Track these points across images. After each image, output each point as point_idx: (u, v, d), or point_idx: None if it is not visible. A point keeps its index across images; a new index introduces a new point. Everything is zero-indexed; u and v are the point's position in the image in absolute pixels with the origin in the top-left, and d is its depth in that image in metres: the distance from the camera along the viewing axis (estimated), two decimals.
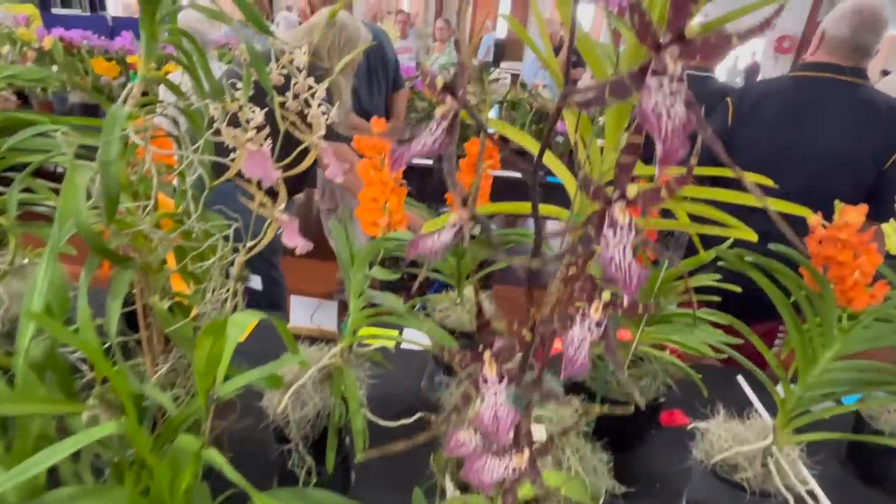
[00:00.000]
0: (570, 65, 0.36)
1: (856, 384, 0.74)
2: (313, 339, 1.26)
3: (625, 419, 1.03)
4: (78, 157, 0.74)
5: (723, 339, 0.96)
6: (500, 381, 0.40)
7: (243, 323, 0.59)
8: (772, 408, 1.05)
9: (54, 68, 3.42)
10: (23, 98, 3.58)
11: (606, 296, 0.39)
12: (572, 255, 0.37)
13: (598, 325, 0.39)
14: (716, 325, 1.00)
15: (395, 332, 1.26)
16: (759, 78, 9.54)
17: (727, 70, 11.00)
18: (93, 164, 0.70)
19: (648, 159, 0.44)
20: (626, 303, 0.35)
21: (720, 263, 0.80)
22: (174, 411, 0.60)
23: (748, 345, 0.83)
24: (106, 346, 0.73)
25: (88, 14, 8.69)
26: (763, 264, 0.72)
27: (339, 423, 0.76)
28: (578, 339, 0.39)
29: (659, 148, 0.27)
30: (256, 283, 0.89)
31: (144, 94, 0.83)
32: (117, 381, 0.55)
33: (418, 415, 0.87)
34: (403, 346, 1.32)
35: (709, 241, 0.84)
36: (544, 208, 0.72)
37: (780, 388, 0.82)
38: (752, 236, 0.62)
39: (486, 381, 0.40)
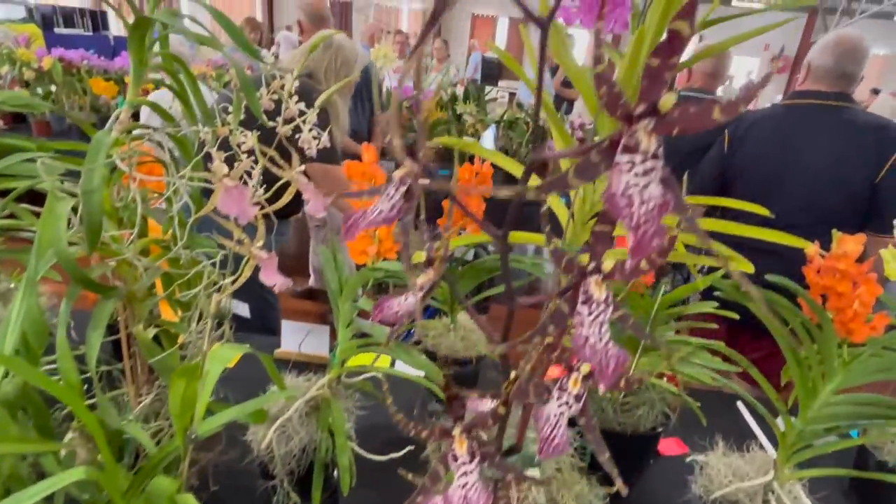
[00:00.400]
0: (538, 136, 0.34)
1: (858, 418, 0.71)
2: (306, 364, 1.24)
3: (622, 450, 1.00)
4: (66, 182, 0.73)
5: (722, 366, 0.94)
6: (472, 459, 0.36)
7: (225, 357, 0.58)
8: (773, 434, 1.03)
9: (53, 87, 3.43)
10: (21, 118, 3.59)
11: (586, 367, 0.36)
12: (542, 335, 0.34)
13: (577, 398, 0.36)
14: (715, 352, 0.98)
15: (387, 360, 1.24)
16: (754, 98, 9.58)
17: (723, 90, 11.11)
18: (77, 191, 0.69)
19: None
20: (602, 386, 0.31)
21: (717, 294, 0.78)
22: (153, 450, 0.58)
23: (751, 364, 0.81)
24: (88, 375, 0.71)
25: (91, 34, 8.77)
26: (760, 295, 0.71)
27: (326, 458, 0.74)
28: (555, 416, 0.35)
29: (630, 237, 0.24)
30: (244, 310, 0.87)
31: (136, 116, 0.83)
32: (91, 423, 0.53)
33: (409, 448, 0.85)
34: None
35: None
36: (531, 236, 0.71)
37: (780, 421, 0.80)
38: (749, 268, 0.60)
39: (455, 458, 0.37)
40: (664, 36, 0.23)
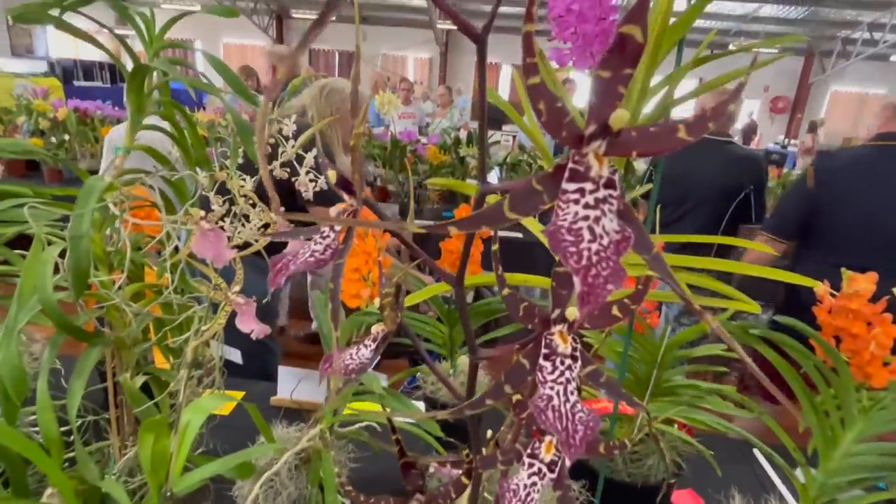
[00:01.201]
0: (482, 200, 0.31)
1: (884, 469, 0.67)
2: (299, 412, 1.20)
3: (632, 503, 0.95)
4: (64, 230, 0.72)
5: (734, 412, 0.90)
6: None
7: (206, 408, 0.55)
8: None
9: (67, 136, 3.54)
10: (34, 166, 3.68)
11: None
12: (495, 397, 0.31)
13: (552, 467, 0.31)
14: (726, 396, 0.93)
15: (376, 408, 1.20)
16: (756, 137, 9.73)
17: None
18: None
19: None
20: (567, 458, 0.27)
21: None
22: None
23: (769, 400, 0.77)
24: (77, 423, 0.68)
25: (109, 86, 9.11)
26: (770, 338, 0.68)
27: None
28: (525, 489, 0.30)
29: (577, 283, 0.20)
30: (236, 356, 0.85)
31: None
32: (62, 485, 0.50)
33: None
34: (396, 421, 1.25)
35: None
36: (521, 277, 0.69)
37: (799, 472, 0.75)
38: (755, 308, 0.58)
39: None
40: (615, 41, 0.20)
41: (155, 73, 0.84)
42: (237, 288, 0.57)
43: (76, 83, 8.61)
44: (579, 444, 0.24)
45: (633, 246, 0.20)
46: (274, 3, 12.13)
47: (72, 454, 0.72)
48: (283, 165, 0.84)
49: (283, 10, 12.50)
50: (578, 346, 0.27)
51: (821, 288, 0.67)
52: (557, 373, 0.26)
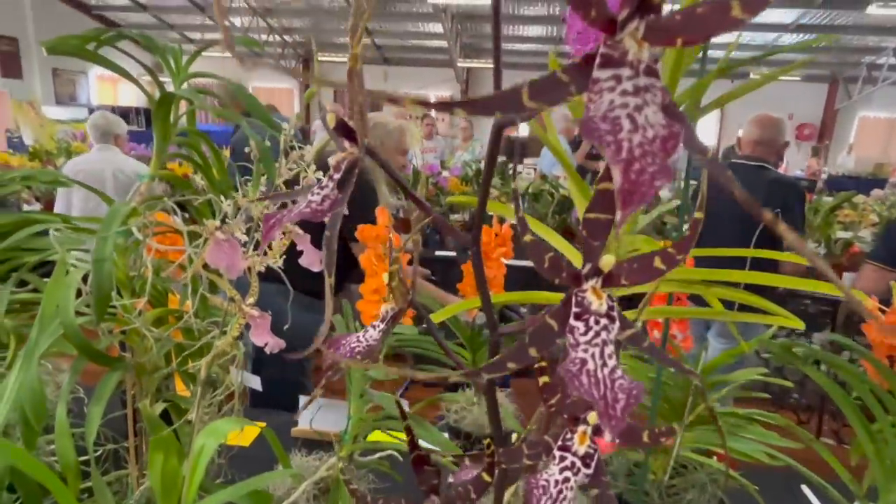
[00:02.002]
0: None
1: None
2: (320, 443, 1.17)
3: None
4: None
5: (779, 442, 0.84)
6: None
7: (220, 432, 0.53)
8: None
9: None
10: None
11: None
12: (517, 360, 0.26)
13: (586, 461, 0.28)
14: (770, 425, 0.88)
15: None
16: (783, 164, 9.56)
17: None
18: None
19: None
20: (608, 434, 0.22)
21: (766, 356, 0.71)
22: None
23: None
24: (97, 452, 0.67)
25: (144, 129, 9.53)
26: (815, 356, 0.63)
27: None
28: (556, 486, 0.27)
29: (617, 177, 0.17)
30: (255, 382, 0.83)
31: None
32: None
33: None
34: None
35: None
36: (546, 296, 0.66)
37: None
38: (799, 324, 0.54)
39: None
40: None
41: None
42: (251, 300, 0.56)
43: None
44: (621, 416, 0.21)
45: (684, 143, 0.17)
46: (300, 48, 12.63)
47: (90, 484, 0.71)
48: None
49: (308, 54, 13.00)
50: (615, 304, 0.24)
51: (869, 303, 0.62)
52: (592, 334, 0.23)
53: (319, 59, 13.53)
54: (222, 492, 0.50)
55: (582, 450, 0.28)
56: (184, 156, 0.86)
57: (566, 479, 0.27)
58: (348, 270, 1.58)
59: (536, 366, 0.30)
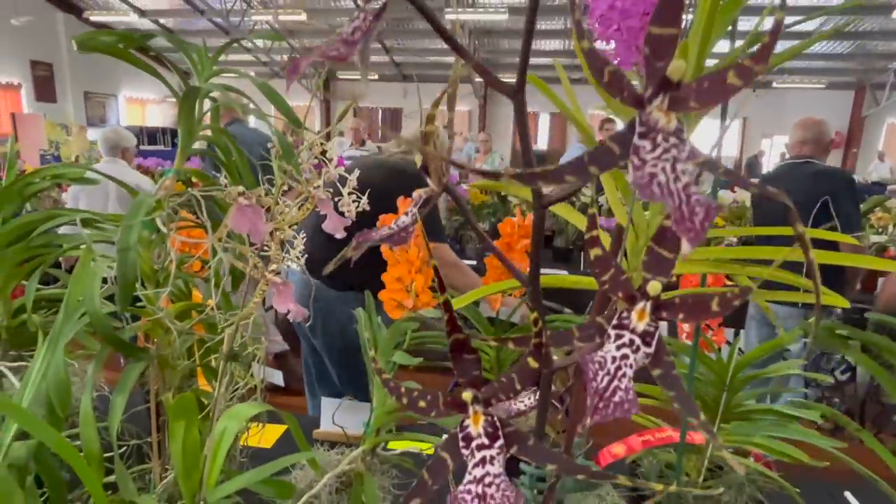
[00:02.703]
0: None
1: None
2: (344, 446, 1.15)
3: None
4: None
5: (822, 441, 0.80)
6: (493, 441, 0.27)
7: (243, 415, 0.52)
8: None
9: None
10: None
11: (655, 287, 0.26)
12: (578, 173, 0.24)
13: (646, 339, 0.26)
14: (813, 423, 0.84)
15: (429, 443, 1.14)
16: None
17: (774, 167, 10.94)
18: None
19: None
20: (685, 248, 0.21)
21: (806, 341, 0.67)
22: None
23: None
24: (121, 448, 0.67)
25: (170, 148, 9.80)
26: (861, 339, 0.60)
27: None
28: (613, 362, 0.26)
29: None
30: (277, 378, 0.83)
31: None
32: (98, 496, 0.48)
33: None
34: None
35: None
36: (575, 280, 0.65)
37: None
38: (844, 303, 0.51)
39: (468, 440, 0.28)
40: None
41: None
42: (274, 266, 0.56)
43: (141, 147, 9.33)
44: (700, 227, 0.20)
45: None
46: (321, 67, 12.89)
47: (112, 478, 0.70)
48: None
49: (330, 73, 13.27)
50: (683, 126, 0.22)
51: None
52: (660, 150, 0.22)
53: (340, 76, 13.77)
54: (245, 475, 0.49)
55: (641, 326, 0.27)
56: (209, 152, 0.87)
57: (624, 356, 0.26)
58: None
59: (587, 236, 0.29)
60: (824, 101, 11.55)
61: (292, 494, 0.64)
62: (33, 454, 0.56)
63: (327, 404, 1.14)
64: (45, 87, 9.75)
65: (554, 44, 10.21)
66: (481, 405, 0.28)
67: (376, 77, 11.68)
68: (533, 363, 0.28)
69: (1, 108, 9.07)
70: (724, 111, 0.59)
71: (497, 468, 0.27)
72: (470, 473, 0.27)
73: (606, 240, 0.64)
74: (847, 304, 0.51)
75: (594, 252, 0.29)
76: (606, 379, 0.25)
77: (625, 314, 0.27)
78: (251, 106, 0.89)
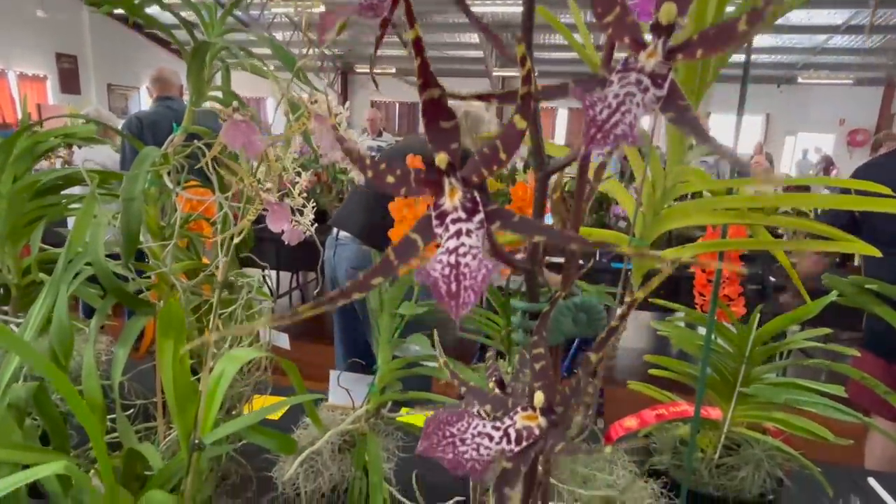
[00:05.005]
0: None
1: None
2: None
3: None
4: None
5: (845, 417, 0.77)
6: (471, 216, 0.25)
7: (240, 358, 0.51)
8: None
9: None
10: None
11: (669, 11, 0.23)
12: None
13: (657, 81, 0.23)
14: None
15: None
16: (835, 170, 9.11)
17: (797, 164, 10.69)
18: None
19: None
20: None
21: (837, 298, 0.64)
22: (159, 465, 0.50)
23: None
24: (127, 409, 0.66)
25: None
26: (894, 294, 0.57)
27: (359, 502, 0.63)
28: (615, 97, 0.23)
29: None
30: (283, 341, 0.82)
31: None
32: (92, 430, 0.47)
33: (457, 499, 0.72)
34: None
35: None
36: (604, 233, 0.62)
37: None
38: (875, 252, 0.48)
39: (442, 217, 0.25)
40: None
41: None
42: (269, 185, 0.54)
43: None
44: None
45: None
46: (339, 61, 12.92)
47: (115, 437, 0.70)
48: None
49: (346, 67, 13.29)
50: None
51: None
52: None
53: (357, 70, 13.79)
54: (241, 418, 0.48)
55: (650, 65, 0.24)
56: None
57: (629, 94, 0.24)
58: None
59: None
60: (851, 97, 11.25)
61: (295, 450, 0.63)
62: (33, 396, 0.55)
63: (335, 378, 1.13)
64: (69, 80, 9.91)
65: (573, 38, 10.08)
66: (459, 180, 0.26)
67: (393, 71, 11.66)
68: (520, 122, 0.25)
69: (28, 100, 9.25)
70: (741, 104, 0.56)
71: (475, 241, 0.25)
72: (443, 246, 0.25)
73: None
74: (878, 253, 0.48)
75: None
76: (607, 111, 0.23)
77: (631, 59, 0.25)
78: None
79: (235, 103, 0.52)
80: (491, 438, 0.27)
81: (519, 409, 0.29)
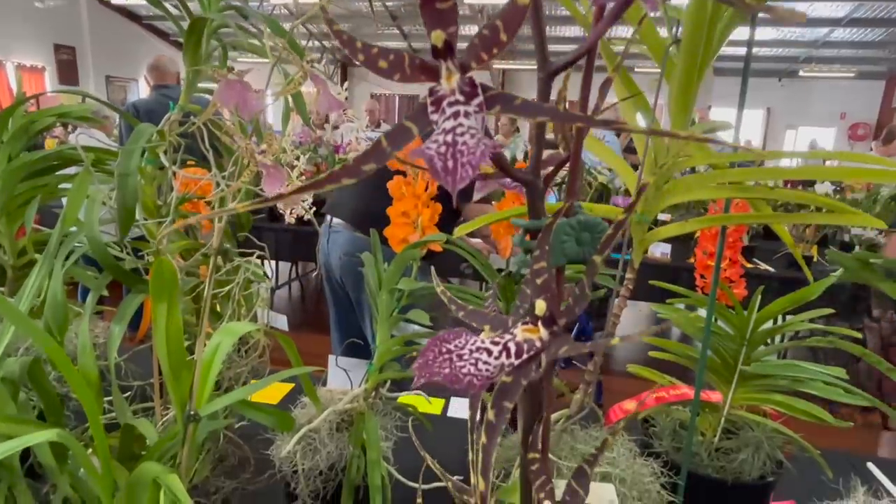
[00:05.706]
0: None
1: None
2: None
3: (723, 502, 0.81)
4: None
5: (848, 399, 0.76)
6: (470, 99, 0.24)
7: (236, 331, 0.50)
8: None
9: None
10: None
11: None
12: None
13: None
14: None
15: (438, 405, 1.12)
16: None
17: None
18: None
19: None
20: None
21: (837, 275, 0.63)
22: (154, 438, 0.50)
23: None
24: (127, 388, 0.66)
25: None
26: None
27: (357, 480, 0.62)
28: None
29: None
30: (282, 322, 0.81)
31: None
32: (88, 404, 0.46)
33: (456, 478, 0.72)
34: (451, 413, 1.16)
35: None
36: (600, 207, 0.61)
37: None
38: (880, 223, 0.47)
39: (438, 102, 0.25)
40: None
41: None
42: (264, 146, 0.53)
43: None
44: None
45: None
46: (339, 53, 12.86)
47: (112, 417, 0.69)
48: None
49: (346, 59, 13.23)
50: None
51: None
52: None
53: (357, 64, 13.71)
54: (238, 391, 0.48)
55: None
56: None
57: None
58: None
59: None
60: (853, 91, 11.21)
61: (293, 426, 0.63)
62: (28, 371, 0.55)
63: (333, 363, 1.12)
64: (68, 71, 9.86)
65: (576, 30, 10.05)
66: (456, 65, 0.25)
67: None
68: None
69: (26, 91, 9.22)
70: (742, 97, 0.55)
71: (473, 122, 0.24)
72: (439, 128, 0.24)
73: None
74: (885, 226, 0.47)
75: None
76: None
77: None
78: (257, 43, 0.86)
79: (230, 64, 0.51)
80: (490, 353, 0.27)
81: (520, 323, 0.28)
